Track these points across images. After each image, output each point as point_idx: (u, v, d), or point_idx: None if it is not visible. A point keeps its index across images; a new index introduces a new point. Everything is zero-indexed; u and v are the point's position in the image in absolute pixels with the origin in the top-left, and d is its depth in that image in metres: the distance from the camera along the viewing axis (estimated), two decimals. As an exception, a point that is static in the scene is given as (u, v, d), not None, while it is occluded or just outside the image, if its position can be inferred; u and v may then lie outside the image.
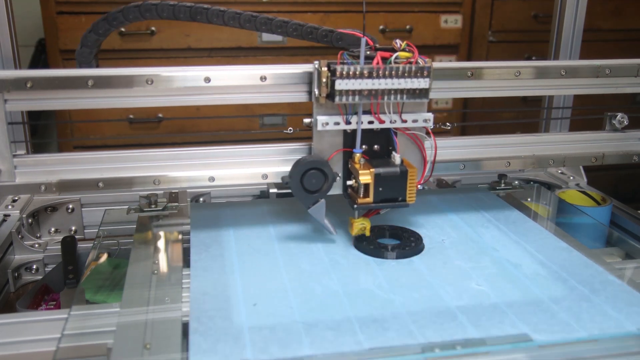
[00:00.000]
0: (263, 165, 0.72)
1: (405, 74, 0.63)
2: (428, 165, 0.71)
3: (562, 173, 1.09)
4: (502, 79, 0.74)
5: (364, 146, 0.68)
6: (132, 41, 1.61)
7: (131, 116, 1.61)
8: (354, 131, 0.67)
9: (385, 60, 0.63)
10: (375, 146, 0.69)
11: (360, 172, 0.65)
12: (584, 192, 0.96)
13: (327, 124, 0.66)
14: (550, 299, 0.59)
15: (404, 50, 0.64)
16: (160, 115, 1.61)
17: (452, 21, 1.76)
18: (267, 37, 1.66)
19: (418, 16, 1.74)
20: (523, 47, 1.84)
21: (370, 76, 0.63)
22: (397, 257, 0.68)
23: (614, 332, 0.54)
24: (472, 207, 0.83)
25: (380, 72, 0.63)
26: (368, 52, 0.64)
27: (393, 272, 0.65)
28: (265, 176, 0.72)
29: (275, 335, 0.53)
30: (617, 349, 0.53)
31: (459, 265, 0.66)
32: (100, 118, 1.46)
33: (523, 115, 1.60)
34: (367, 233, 0.69)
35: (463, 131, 1.42)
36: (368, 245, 0.69)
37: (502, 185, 0.93)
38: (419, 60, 0.64)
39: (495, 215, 0.80)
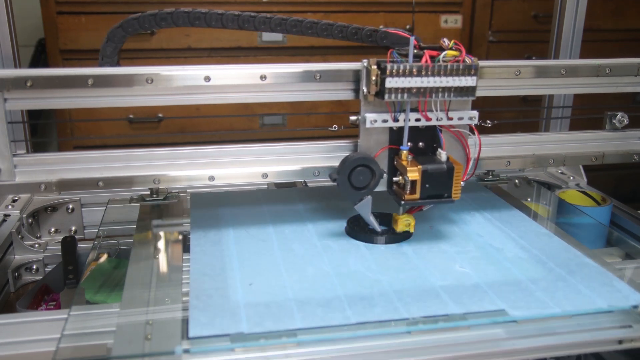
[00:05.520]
0: (263, 164, 0.72)
1: (453, 72, 0.64)
2: (471, 162, 0.72)
3: (562, 173, 1.09)
4: (502, 78, 0.74)
5: (409, 143, 0.69)
6: (132, 41, 1.60)
7: (131, 116, 1.61)
8: (400, 128, 0.68)
9: (433, 58, 0.64)
10: (420, 143, 0.70)
11: (408, 168, 0.66)
12: (584, 192, 0.96)
13: (375, 121, 0.67)
14: (529, 279, 0.63)
15: (451, 49, 0.65)
16: (160, 114, 1.61)
17: (452, 21, 1.76)
18: (267, 37, 1.66)
19: (418, 16, 1.73)
20: (523, 47, 1.84)
21: (419, 74, 0.63)
22: (387, 242, 0.70)
23: (586, 308, 0.58)
24: (461, 197, 0.83)
25: (429, 71, 0.63)
26: (415, 51, 0.65)
27: (382, 255, 0.68)
28: (265, 175, 0.72)
29: (269, 311, 0.56)
30: (589, 325, 0.56)
31: (445, 250, 0.69)
32: (100, 117, 1.46)
33: (523, 114, 1.60)
34: (412, 229, 0.71)
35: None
36: (359, 230, 0.71)
37: (490, 177, 0.96)
38: (466, 59, 0.65)
39: (481, 204, 0.83)
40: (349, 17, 1.68)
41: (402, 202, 0.67)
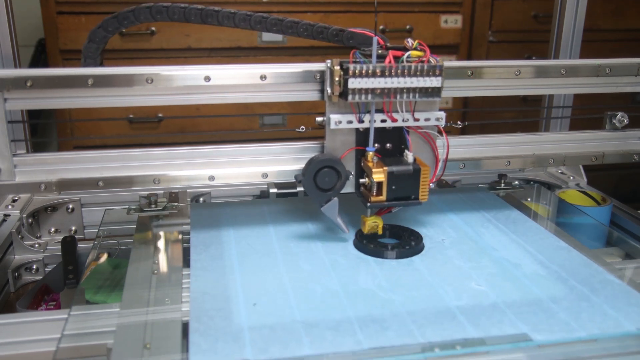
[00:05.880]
0: (263, 164, 0.72)
1: (418, 73, 0.64)
2: (440, 164, 0.71)
3: (562, 173, 1.09)
4: (502, 78, 0.74)
5: (376, 145, 0.68)
6: (132, 41, 1.61)
7: (131, 115, 1.61)
8: (367, 130, 0.67)
9: (397, 59, 0.64)
10: (388, 145, 0.69)
11: (373, 170, 0.65)
12: (584, 192, 0.96)
13: (340, 122, 0.66)
14: (550, 298, 0.59)
15: (415, 49, 0.64)
16: (160, 114, 1.61)
17: (452, 21, 1.76)
18: (267, 37, 1.66)
19: (418, 16, 1.73)
20: (523, 47, 1.84)
21: (382, 75, 0.63)
22: (397, 257, 0.68)
23: (613, 331, 0.54)
24: (472, 206, 0.83)
25: (392, 71, 0.63)
26: (380, 51, 0.64)
27: (393, 271, 0.65)
28: (265, 175, 0.72)
29: (275, 335, 0.53)
30: (616, 349, 0.53)
31: (459, 265, 0.66)
32: (100, 117, 1.46)
33: (523, 114, 1.60)
34: (380, 231, 0.69)
35: (463, 130, 1.42)
36: (368, 244, 0.69)
37: (502, 185, 0.92)
38: (431, 59, 0.64)
39: (495, 215, 0.80)
40: (349, 18, 1.68)
41: (369, 204, 0.67)
